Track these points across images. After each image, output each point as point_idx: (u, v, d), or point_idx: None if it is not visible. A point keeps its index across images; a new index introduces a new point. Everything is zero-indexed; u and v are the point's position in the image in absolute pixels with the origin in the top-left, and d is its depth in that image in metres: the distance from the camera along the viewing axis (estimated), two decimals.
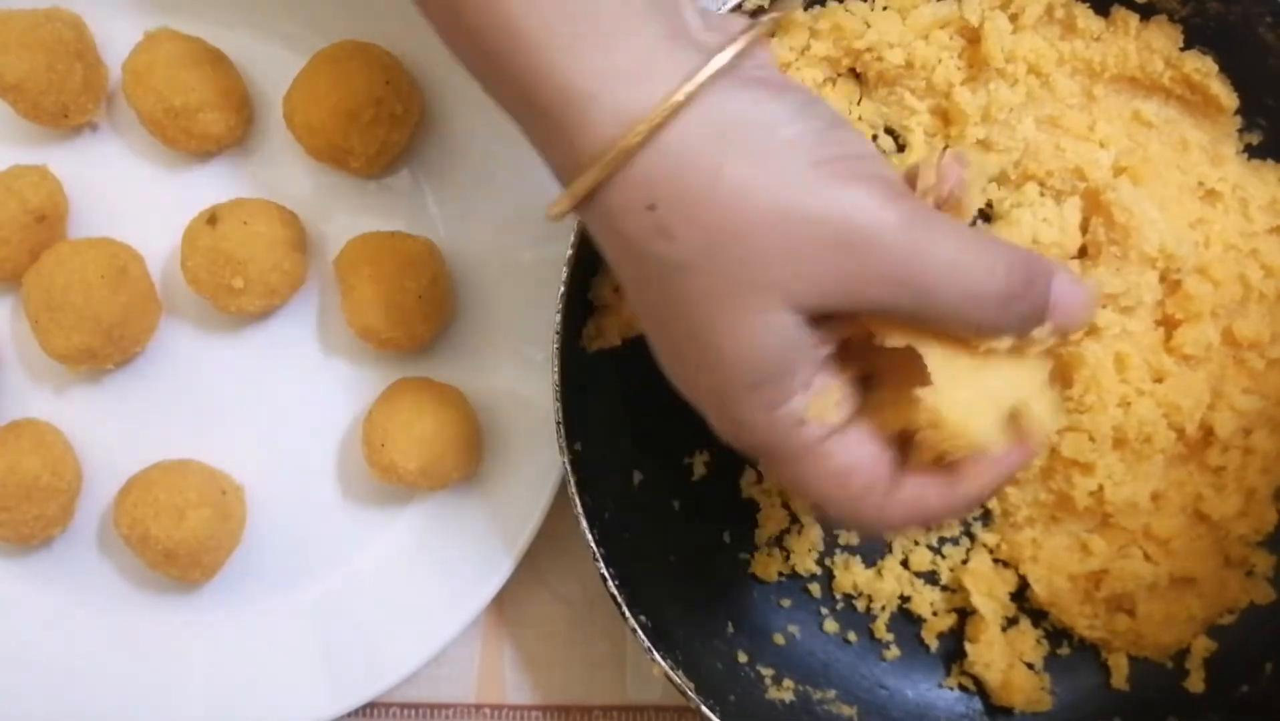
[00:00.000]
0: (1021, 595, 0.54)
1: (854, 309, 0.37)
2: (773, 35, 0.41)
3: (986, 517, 0.55)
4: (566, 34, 0.37)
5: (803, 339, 0.37)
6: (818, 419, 0.38)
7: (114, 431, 0.56)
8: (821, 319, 0.37)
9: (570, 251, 0.48)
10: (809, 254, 0.36)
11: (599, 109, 0.37)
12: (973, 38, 0.53)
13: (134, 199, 0.56)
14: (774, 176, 0.36)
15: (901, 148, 0.54)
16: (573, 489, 0.48)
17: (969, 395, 0.38)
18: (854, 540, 0.55)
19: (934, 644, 0.55)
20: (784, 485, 0.40)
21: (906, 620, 0.55)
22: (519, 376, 0.56)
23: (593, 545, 0.48)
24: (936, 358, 0.38)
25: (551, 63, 0.37)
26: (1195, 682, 0.53)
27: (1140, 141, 0.53)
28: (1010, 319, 0.38)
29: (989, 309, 0.37)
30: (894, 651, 0.55)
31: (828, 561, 0.55)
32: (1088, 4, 0.52)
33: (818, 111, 0.38)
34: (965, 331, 0.38)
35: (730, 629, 0.54)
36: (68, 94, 0.53)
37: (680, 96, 0.36)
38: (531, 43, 0.37)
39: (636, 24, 0.37)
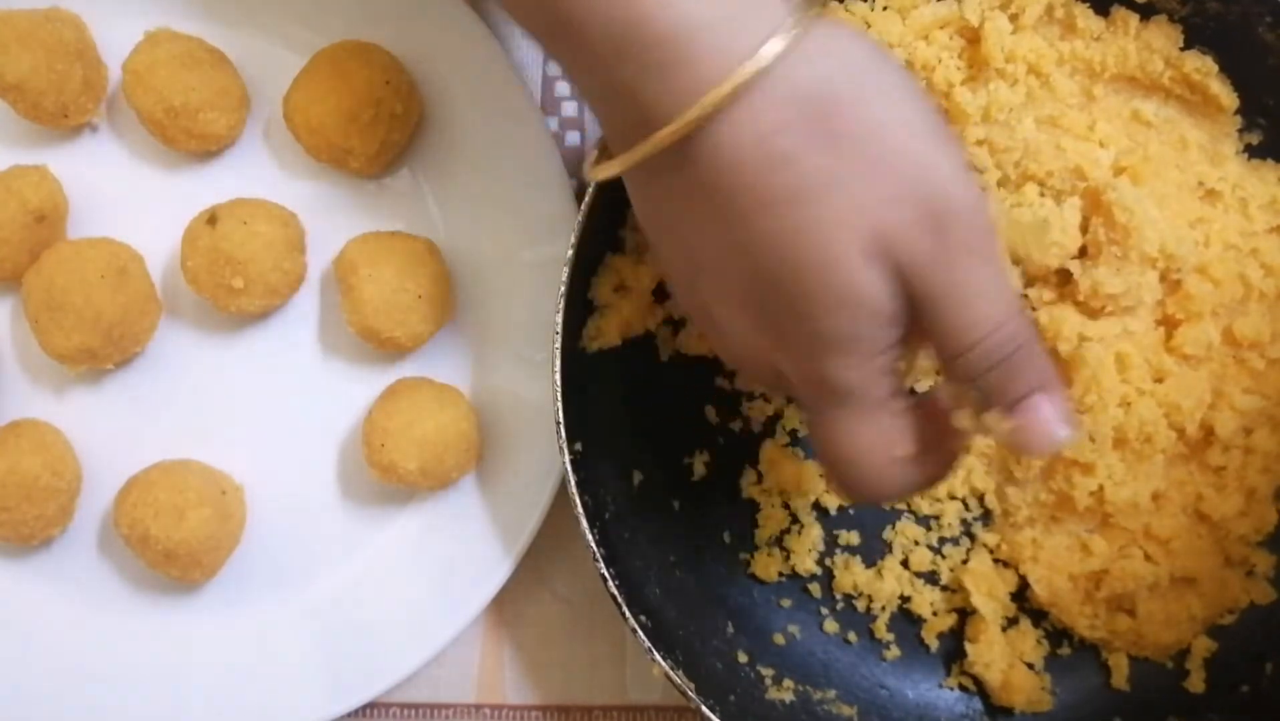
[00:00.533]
0: (1022, 595, 0.54)
1: (906, 282, 0.38)
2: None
3: (986, 517, 0.55)
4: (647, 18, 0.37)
5: (898, 297, 0.38)
6: (907, 376, 0.40)
7: (114, 431, 0.56)
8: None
9: (570, 251, 0.48)
10: (910, 210, 0.37)
11: (720, 37, 0.37)
12: (973, 38, 0.53)
13: (134, 199, 0.56)
14: (903, 124, 0.38)
15: None
16: (573, 489, 0.48)
17: None
18: (854, 540, 0.55)
19: (934, 644, 0.55)
20: (824, 439, 0.41)
21: (907, 620, 0.55)
22: (519, 376, 0.56)
23: (593, 545, 0.48)
24: None
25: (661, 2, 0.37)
26: (1196, 682, 0.53)
27: (1140, 141, 0.53)
28: (986, 359, 0.39)
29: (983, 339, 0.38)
30: (894, 651, 0.55)
31: (828, 561, 0.55)
32: (1088, 4, 0.53)
33: (899, 77, 0.39)
34: (948, 350, 0.39)
35: (730, 629, 0.54)
36: (68, 94, 0.53)
37: (816, 11, 0.37)
38: (591, 30, 0.38)
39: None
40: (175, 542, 0.52)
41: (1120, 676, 0.54)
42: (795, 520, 0.55)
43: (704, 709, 0.48)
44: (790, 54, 0.37)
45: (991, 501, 0.54)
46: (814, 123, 0.37)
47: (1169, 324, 0.53)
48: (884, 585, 0.55)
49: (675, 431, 0.55)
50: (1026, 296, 0.53)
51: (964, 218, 0.37)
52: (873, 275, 0.38)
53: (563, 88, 0.59)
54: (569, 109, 0.59)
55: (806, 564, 0.55)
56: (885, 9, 0.52)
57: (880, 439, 0.40)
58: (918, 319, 0.39)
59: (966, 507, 0.55)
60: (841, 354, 0.39)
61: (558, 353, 0.48)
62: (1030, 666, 0.54)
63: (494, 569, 0.55)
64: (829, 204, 0.37)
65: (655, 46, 0.37)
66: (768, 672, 0.53)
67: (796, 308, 0.38)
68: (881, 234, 0.37)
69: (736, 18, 0.37)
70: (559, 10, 0.39)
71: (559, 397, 0.48)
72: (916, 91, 0.39)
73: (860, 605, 0.55)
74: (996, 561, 0.54)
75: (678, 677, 0.48)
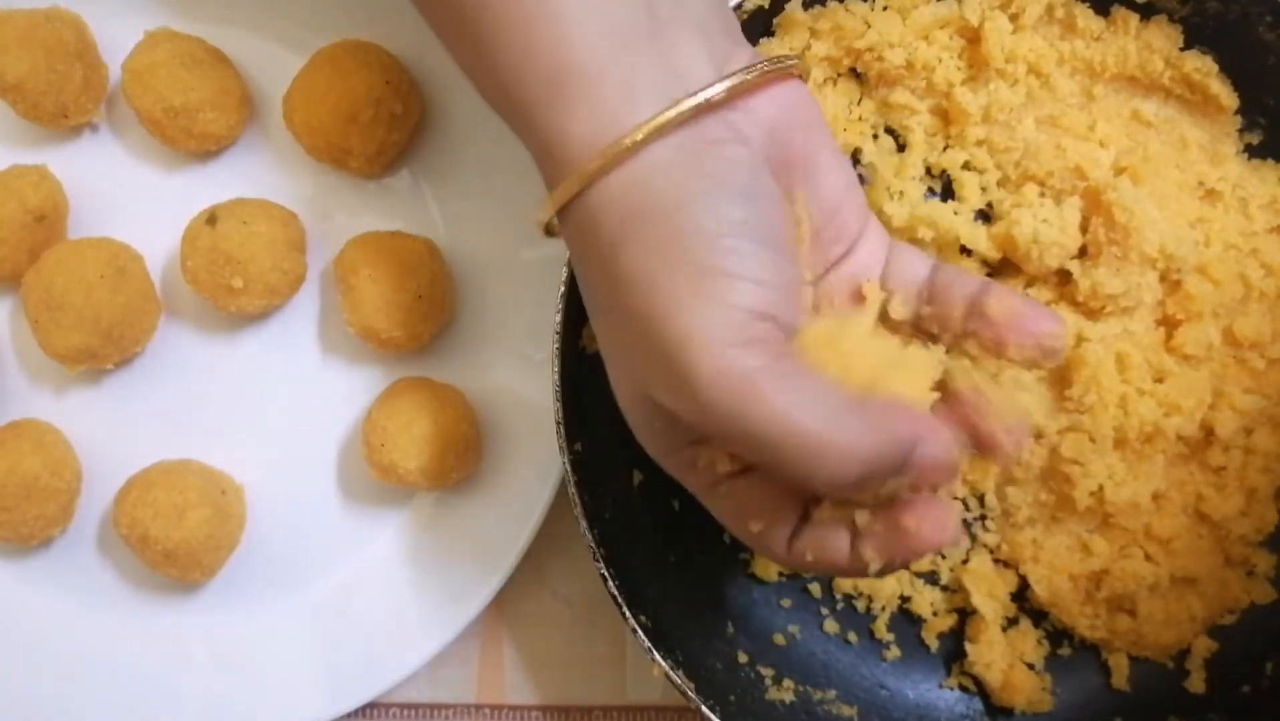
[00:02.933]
0: (1022, 595, 0.54)
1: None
2: (797, 75, 0.41)
3: (987, 518, 0.55)
4: (545, 97, 0.38)
5: (671, 420, 0.38)
6: (708, 468, 0.40)
7: (114, 431, 0.56)
8: None
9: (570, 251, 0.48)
10: (651, 367, 0.37)
11: (561, 165, 0.38)
12: (973, 38, 0.53)
13: (134, 199, 0.56)
14: (653, 270, 0.36)
15: (902, 147, 0.54)
16: (573, 489, 0.48)
17: None
18: None
19: (934, 644, 0.55)
20: None
21: (907, 620, 0.55)
22: (519, 376, 0.56)
23: (593, 545, 0.48)
24: None
25: (534, 121, 0.39)
26: (1196, 683, 0.53)
27: (1140, 141, 0.53)
28: (863, 487, 0.36)
29: (843, 482, 0.35)
30: (894, 651, 0.55)
31: None
32: (1088, 4, 0.52)
33: (737, 215, 0.36)
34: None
35: (730, 629, 0.54)
36: (68, 94, 0.53)
37: (593, 165, 0.37)
38: (520, 102, 0.39)
39: (609, 83, 0.37)
40: (175, 542, 0.52)
41: (1121, 676, 0.54)
42: None
43: (704, 709, 0.48)
44: (599, 181, 0.37)
45: (991, 501, 0.54)
46: (597, 259, 0.38)
47: (1169, 324, 0.53)
48: (884, 585, 0.55)
49: None
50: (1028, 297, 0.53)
51: (711, 394, 0.35)
52: (645, 409, 0.39)
53: None
54: None
55: None
56: (885, 9, 0.52)
57: (726, 512, 0.41)
58: None
59: (967, 507, 0.55)
60: (650, 447, 0.41)
61: (558, 353, 0.48)
62: (1030, 666, 0.54)
63: (494, 569, 0.55)
64: (605, 342, 0.39)
65: (526, 137, 0.40)
66: (768, 673, 0.53)
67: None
68: (644, 391, 0.38)
69: (586, 141, 0.37)
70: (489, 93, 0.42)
71: (559, 397, 0.48)
72: (707, 240, 0.36)
73: (860, 605, 0.55)
74: (996, 561, 0.54)
75: (678, 677, 0.48)
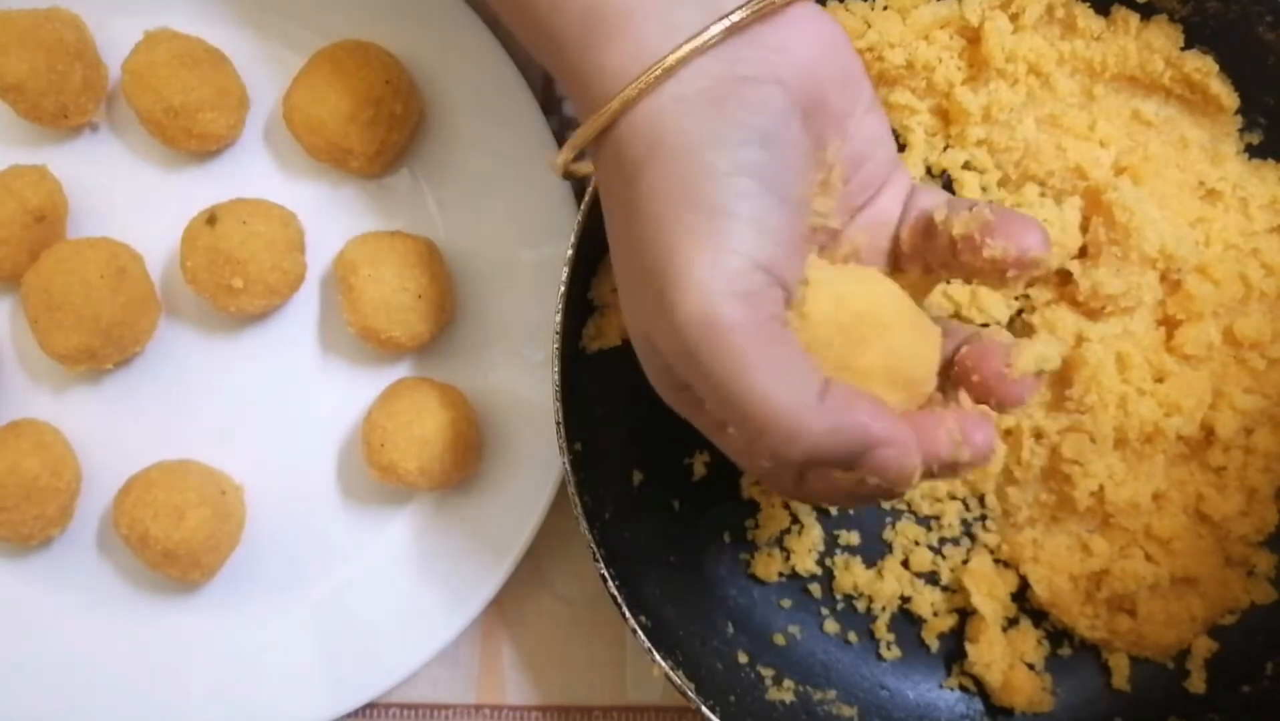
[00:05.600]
0: (1022, 595, 0.54)
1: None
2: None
3: (987, 518, 0.55)
4: (580, 35, 0.39)
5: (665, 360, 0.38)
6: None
7: (114, 431, 0.56)
8: None
9: (570, 251, 0.48)
10: (648, 303, 0.37)
11: (596, 98, 0.38)
12: (973, 38, 0.53)
13: (134, 199, 0.56)
14: (661, 203, 0.36)
15: (902, 147, 0.54)
16: (573, 489, 0.48)
17: None
18: (854, 540, 0.55)
19: (935, 644, 0.55)
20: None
21: (907, 620, 0.55)
22: (519, 376, 0.56)
23: (593, 545, 0.48)
24: None
25: (569, 60, 0.39)
26: (1196, 683, 0.53)
27: (1140, 141, 0.53)
28: (808, 467, 0.37)
29: (786, 458, 0.36)
30: (894, 652, 0.55)
31: (828, 561, 0.55)
32: (1088, 4, 0.53)
33: (751, 157, 0.36)
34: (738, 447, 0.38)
35: (730, 629, 0.54)
36: (68, 94, 0.53)
37: (628, 94, 0.37)
38: (557, 42, 0.40)
39: (645, 17, 0.37)
40: (175, 543, 0.52)
41: (1121, 677, 0.54)
42: (795, 520, 0.55)
43: (704, 709, 0.48)
44: (623, 116, 0.37)
45: (992, 501, 0.54)
46: (618, 196, 0.38)
47: (1169, 324, 0.53)
48: (884, 585, 0.55)
49: (675, 431, 0.54)
50: (1028, 297, 0.53)
51: (690, 338, 0.35)
52: (645, 345, 0.38)
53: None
54: (569, 109, 0.59)
55: (807, 564, 0.55)
56: (885, 9, 0.52)
57: (735, 448, 0.40)
58: None
59: (967, 508, 0.55)
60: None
61: (558, 353, 0.48)
62: (1031, 667, 0.54)
63: (494, 569, 0.55)
64: (619, 275, 0.39)
65: (563, 76, 0.40)
66: (768, 673, 0.53)
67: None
68: (643, 328, 0.38)
69: (621, 75, 0.37)
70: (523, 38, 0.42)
71: (559, 397, 0.48)
72: (729, 175, 0.36)
73: (860, 605, 0.55)
74: (997, 561, 0.54)
75: (678, 677, 0.48)
